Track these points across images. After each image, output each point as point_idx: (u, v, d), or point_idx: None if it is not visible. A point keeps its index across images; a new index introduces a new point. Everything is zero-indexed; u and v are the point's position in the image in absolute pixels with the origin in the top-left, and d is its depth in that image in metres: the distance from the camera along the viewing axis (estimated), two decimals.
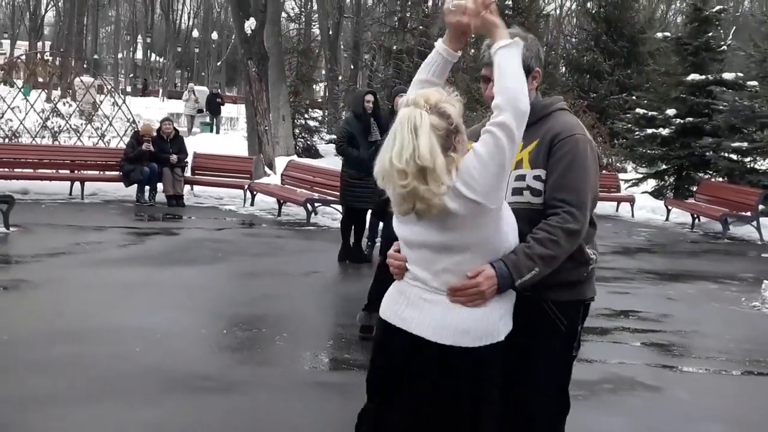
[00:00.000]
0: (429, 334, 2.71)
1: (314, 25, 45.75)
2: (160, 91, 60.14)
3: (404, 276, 2.84)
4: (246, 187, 15.06)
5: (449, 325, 2.70)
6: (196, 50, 77.34)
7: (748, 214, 14.43)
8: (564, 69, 29.27)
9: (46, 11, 72.04)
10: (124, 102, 18.37)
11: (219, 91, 35.78)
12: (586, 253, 2.96)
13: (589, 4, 28.59)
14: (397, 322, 2.79)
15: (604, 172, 19.46)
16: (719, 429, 5.09)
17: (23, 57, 21.72)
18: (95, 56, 70.74)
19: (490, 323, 2.74)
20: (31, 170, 14.70)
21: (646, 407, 5.41)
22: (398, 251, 2.88)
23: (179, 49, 76.32)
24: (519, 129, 2.66)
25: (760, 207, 14.45)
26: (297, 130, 23.62)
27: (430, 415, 2.74)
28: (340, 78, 33.88)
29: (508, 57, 2.72)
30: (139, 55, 75.22)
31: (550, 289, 2.89)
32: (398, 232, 2.83)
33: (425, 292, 2.76)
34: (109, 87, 20.26)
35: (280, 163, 16.77)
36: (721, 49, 19.79)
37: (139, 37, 74.93)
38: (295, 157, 18.25)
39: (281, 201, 14.13)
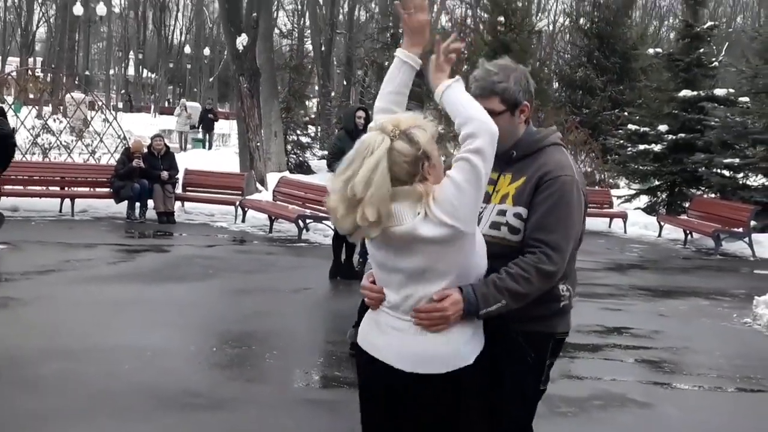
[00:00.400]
0: (395, 361, 2.70)
1: (307, 41, 45.94)
2: (152, 107, 60.09)
3: (380, 305, 2.81)
4: (237, 203, 15.03)
5: (413, 353, 2.68)
6: (188, 66, 77.42)
7: (740, 230, 14.44)
8: (557, 85, 29.40)
9: (37, 27, 72.06)
10: (115, 118, 18.36)
11: (212, 107, 35.78)
12: (557, 289, 2.92)
13: (581, 21, 28.76)
14: (370, 349, 2.78)
15: (597, 188, 19.52)
16: None
17: (14, 73, 21.69)
18: (87, 72, 70.67)
19: (455, 348, 2.70)
20: (21, 187, 14.65)
21: (637, 424, 5.39)
22: (372, 282, 2.85)
23: (171, 65, 76.35)
24: (493, 151, 2.64)
25: (752, 223, 14.46)
26: (289, 146, 23.63)
27: None
28: (332, 94, 33.96)
29: (457, 93, 2.71)
30: (131, 71, 75.23)
31: (519, 321, 2.85)
32: (371, 253, 2.79)
33: (395, 319, 2.73)
34: (100, 103, 20.24)
35: (272, 179, 16.76)
36: (713, 65, 19.89)
37: (131, 53, 74.94)
38: (287, 174, 18.24)
39: (273, 217, 14.10)
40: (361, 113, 9.89)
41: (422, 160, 2.60)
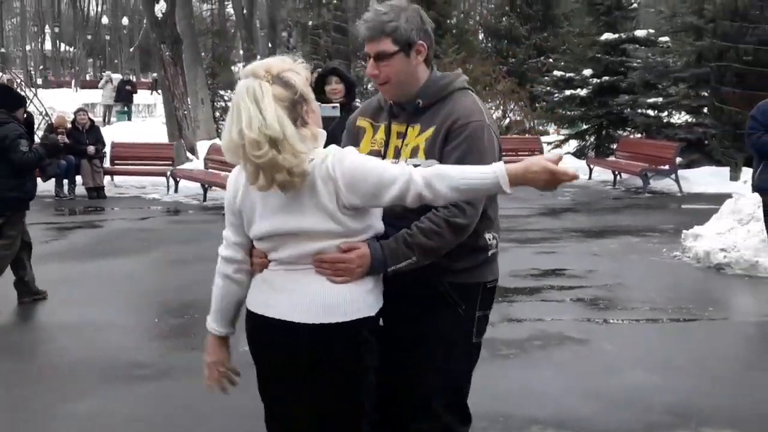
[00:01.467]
0: (297, 316, 2.55)
1: (228, 5, 45.16)
2: (73, 81, 58.58)
3: (268, 265, 2.67)
4: (168, 174, 14.85)
5: (317, 304, 2.54)
6: (107, 37, 75.59)
7: (667, 167, 14.78)
8: (482, 36, 29.48)
9: None
10: (35, 95, 17.91)
11: (131, 78, 35.13)
12: (483, 239, 2.84)
13: None
14: (265, 310, 2.62)
15: (527, 135, 19.75)
16: (642, 375, 5.24)
17: None
18: (2, 50, 68.62)
19: (357, 296, 2.58)
20: None
21: (574, 360, 5.55)
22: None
23: (89, 38, 74.47)
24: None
25: (678, 159, 14.84)
26: (218, 113, 23.35)
27: (312, 406, 2.60)
28: (258, 57, 33.55)
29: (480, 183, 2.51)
30: (47, 46, 73.18)
31: (448, 273, 2.77)
32: (263, 228, 2.62)
33: (288, 273, 2.60)
34: (19, 81, 19.71)
35: (203, 147, 16.58)
36: (633, 6, 20.21)
37: (47, 27, 72.85)
38: (217, 141, 18.01)
39: (206, 186, 13.98)
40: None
41: (300, 104, 2.52)
